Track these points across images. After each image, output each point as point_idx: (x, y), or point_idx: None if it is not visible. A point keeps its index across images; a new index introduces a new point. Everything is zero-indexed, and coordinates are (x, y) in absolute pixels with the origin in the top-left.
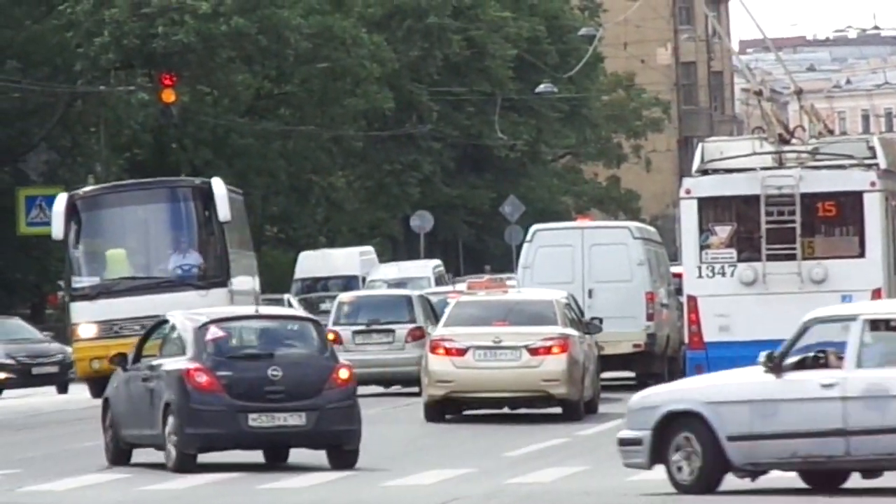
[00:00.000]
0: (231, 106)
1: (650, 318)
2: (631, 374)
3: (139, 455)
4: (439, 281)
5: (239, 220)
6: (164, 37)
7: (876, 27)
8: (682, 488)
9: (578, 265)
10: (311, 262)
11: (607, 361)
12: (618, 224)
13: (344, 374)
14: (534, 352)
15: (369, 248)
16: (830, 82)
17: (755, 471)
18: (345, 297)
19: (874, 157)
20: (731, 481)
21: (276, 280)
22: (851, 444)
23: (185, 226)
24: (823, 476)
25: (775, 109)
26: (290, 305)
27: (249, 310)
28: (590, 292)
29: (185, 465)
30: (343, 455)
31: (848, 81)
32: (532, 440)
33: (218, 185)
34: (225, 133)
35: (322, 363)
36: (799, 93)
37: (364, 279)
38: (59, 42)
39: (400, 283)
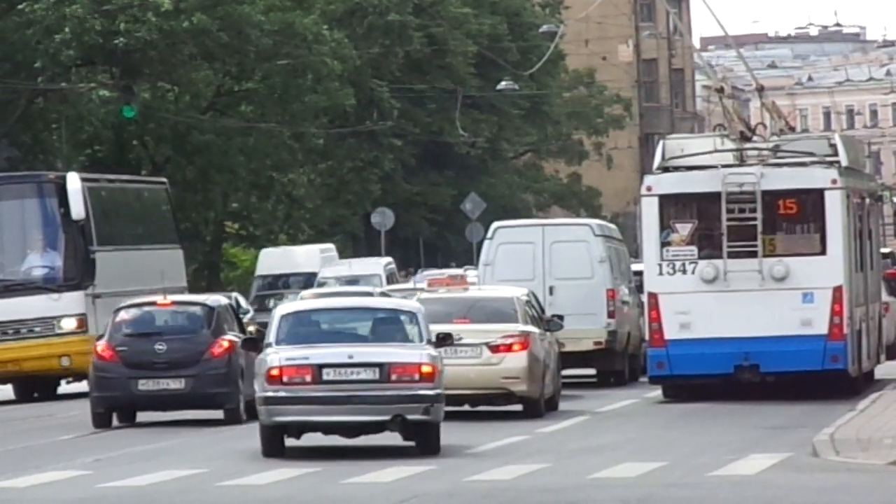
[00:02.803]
0: (192, 103)
1: (611, 315)
2: (592, 372)
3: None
4: (391, 279)
5: (156, 213)
6: (125, 34)
7: (837, 24)
8: None
9: (539, 262)
10: (272, 260)
11: (568, 359)
12: (579, 221)
13: (219, 348)
14: (494, 349)
15: (330, 246)
16: (792, 79)
17: None
18: (307, 294)
19: (835, 154)
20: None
21: (239, 277)
22: None
23: (38, 225)
24: None
25: (736, 106)
26: (238, 304)
27: (158, 298)
28: (551, 289)
29: (99, 422)
30: (225, 414)
31: (809, 78)
32: (492, 438)
33: (72, 181)
34: (186, 130)
35: (202, 339)
36: (760, 90)
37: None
38: (19, 39)
39: (351, 281)
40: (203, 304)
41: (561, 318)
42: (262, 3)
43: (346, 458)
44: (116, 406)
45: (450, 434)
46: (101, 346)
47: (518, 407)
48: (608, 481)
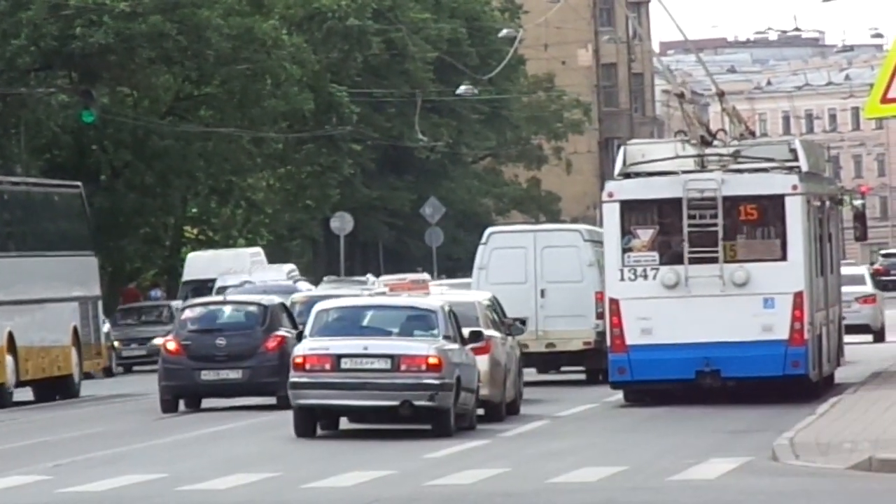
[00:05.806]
0: (151, 107)
1: (599, 316)
2: (581, 370)
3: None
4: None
5: (68, 219)
6: (81, 38)
7: (796, 29)
8: None
9: (531, 266)
10: (200, 264)
11: (559, 358)
12: (569, 227)
13: (272, 342)
14: None
15: (258, 250)
16: (751, 84)
17: None
18: (298, 297)
19: (796, 159)
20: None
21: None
22: None
23: None
24: None
25: (696, 111)
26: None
27: (217, 298)
28: (542, 292)
29: (167, 408)
30: (278, 400)
31: (769, 83)
32: (453, 441)
33: None
34: (145, 134)
35: (257, 334)
36: (720, 94)
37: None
38: None
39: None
40: (258, 304)
41: (523, 322)
42: (220, 8)
43: (305, 462)
44: (182, 394)
45: (409, 438)
46: (167, 339)
47: (479, 411)
48: (568, 486)
